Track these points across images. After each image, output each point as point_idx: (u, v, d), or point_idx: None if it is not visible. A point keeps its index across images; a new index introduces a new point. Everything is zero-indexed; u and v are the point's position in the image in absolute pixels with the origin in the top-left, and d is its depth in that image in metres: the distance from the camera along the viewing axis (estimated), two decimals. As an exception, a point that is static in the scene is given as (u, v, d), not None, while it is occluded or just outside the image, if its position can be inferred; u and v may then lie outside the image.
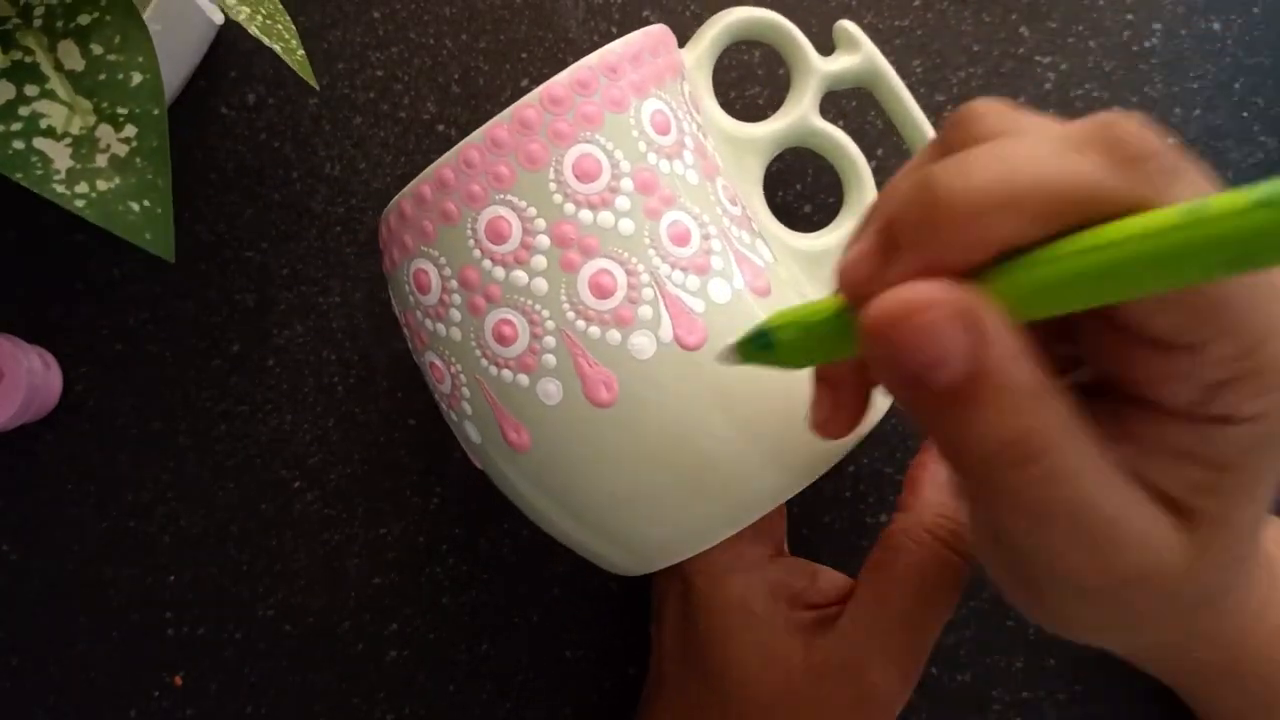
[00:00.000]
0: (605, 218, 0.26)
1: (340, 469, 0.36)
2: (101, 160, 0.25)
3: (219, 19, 0.37)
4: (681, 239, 0.26)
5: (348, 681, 0.36)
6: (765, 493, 0.27)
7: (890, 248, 0.17)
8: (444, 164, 0.26)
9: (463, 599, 0.36)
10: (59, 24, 0.26)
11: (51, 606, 0.36)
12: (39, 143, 0.25)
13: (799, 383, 0.23)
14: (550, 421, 0.26)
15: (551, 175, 0.25)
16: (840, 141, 0.31)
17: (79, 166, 0.25)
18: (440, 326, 0.27)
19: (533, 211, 0.26)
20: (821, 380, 0.21)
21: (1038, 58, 0.37)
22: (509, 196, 0.26)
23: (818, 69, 0.31)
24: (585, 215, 0.26)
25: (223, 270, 0.37)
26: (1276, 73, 0.37)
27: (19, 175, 0.24)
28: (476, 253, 0.26)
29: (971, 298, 0.16)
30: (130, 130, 0.25)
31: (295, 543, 0.36)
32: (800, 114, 0.31)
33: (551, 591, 0.36)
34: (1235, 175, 0.36)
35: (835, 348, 0.19)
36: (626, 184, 0.26)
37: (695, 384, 0.26)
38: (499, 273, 0.26)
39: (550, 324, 0.26)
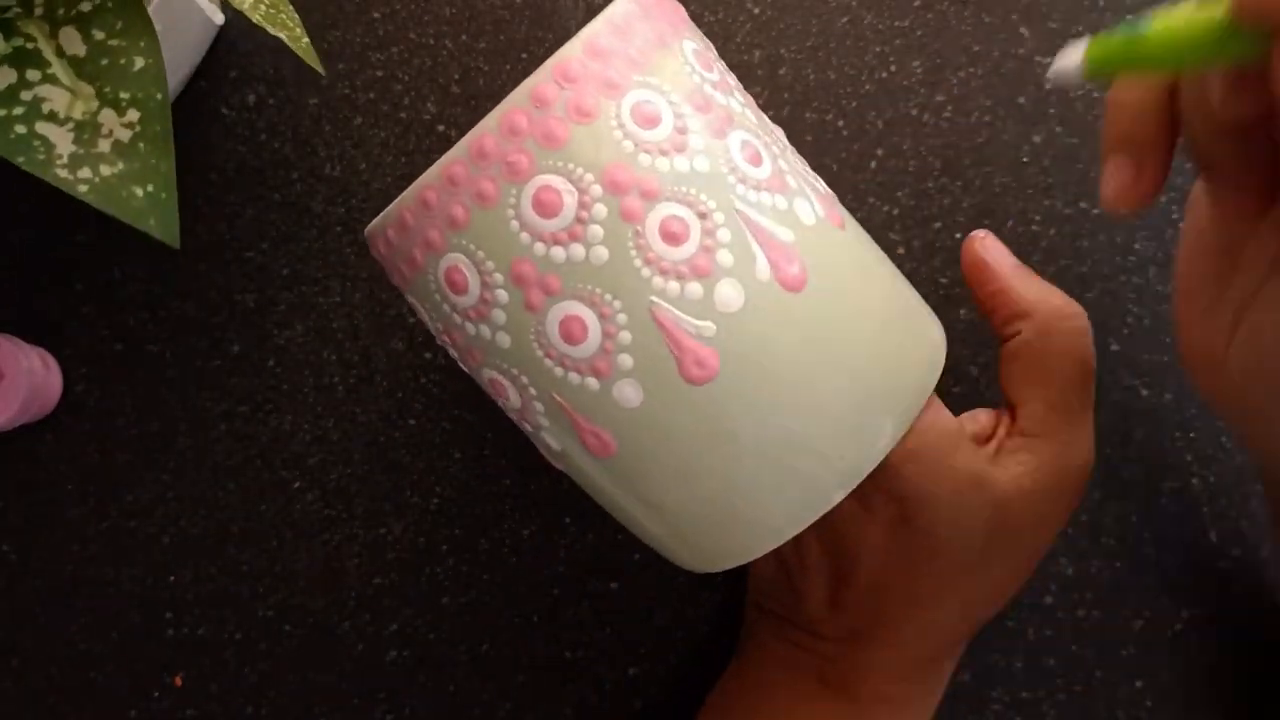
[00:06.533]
0: (680, 162, 0.24)
1: (340, 469, 0.36)
2: (104, 145, 0.25)
3: (219, 19, 0.37)
4: (755, 159, 0.25)
5: (348, 681, 0.36)
6: (842, 477, 0.25)
7: None
8: (481, 133, 0.23)
9: (463, 599, 0.36)
10: (60, 11, 0.25)
11: (51, 606, 0.36)
12: (41, 127, 0.24)
13: (865, 352, 0.24)
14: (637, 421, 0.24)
15: (615, 123, 0.23)
16: None
17: (81, 151, 0.25)
18: (486, 330, 0.25)
19: (588, 177, 0.23)
20: (1121, 147, 0.23)
21: (1038, 58, 0.37)
22: (559, 161, 0.23)
23: None
24: (662, 163, 0.23)
25: (223, 270, 0.37)
26: (1276, 73, 0.37)
27: (21, 160, 0.24)
28: (524, 236, 0.23)
29: None
30: (133, 115, 0.25)
31: (295, 543, 0.36)
32: None
33: (551, 591, 0.36)
34: (1235, 176, 0.36)
35: (1208, 50, 0.20)
36: (694, 123, 0.24)
37: (800, 327, 0.24)
38: (557, 253, 0.23)
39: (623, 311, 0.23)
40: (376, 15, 0.38)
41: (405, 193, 0.25)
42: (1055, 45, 0.37)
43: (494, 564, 0.36)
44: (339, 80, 0.37)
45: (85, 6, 0.25)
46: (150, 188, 0.25)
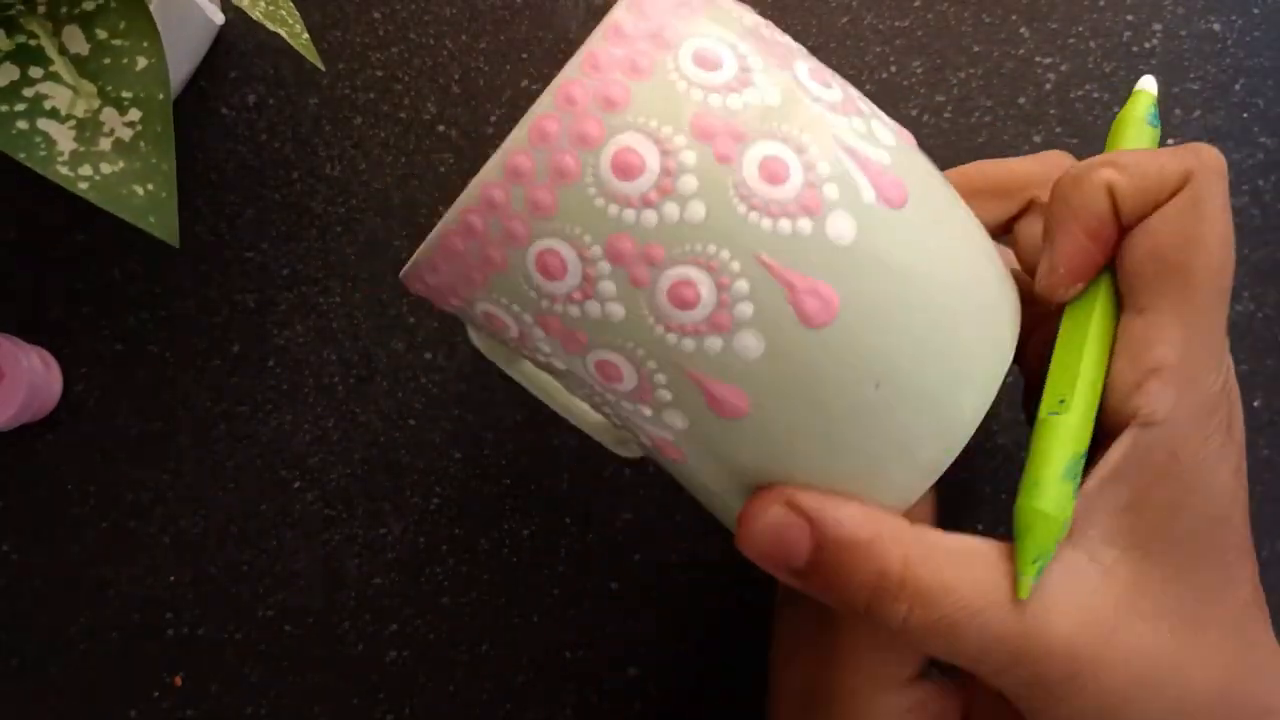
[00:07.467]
0: (752, 95, 0.22)
1: (340, 469, 0.36)
2: (105, 144, 0.25)
3: (219, 19, 0.37)
4: (826, 83, 0.24)
5: (348, 681, 0.36)
6: (978, 392, 0.24)
7: None
8: (537, 115, 0.22)
9: (463, 599, 0.36)
10: (63, 10, 0.26)
11: (51, 606, 0.36)
12: (42, 124, 0.25)
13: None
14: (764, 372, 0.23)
15: (674, 68, 0.22)
16: None
17: (82, 149, 0.25)
18: (595, 307, 0.23)
19: (667, 129, 0.22)
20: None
21: (1038, 58, 0.37)
22: (633, 117, 0.22)
23: None
24: (733, 100, 0.22)
25: (223, 270, 0.37)
26: (1277, 74, 0.37)
27: (22, 155, 0.24)
28: (613, 208, 0.22)
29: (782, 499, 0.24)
30: (134, 114, 0.25)
31: (295, 543, 0.36)
32: None
33: (551, 591, 0.36)
34: (1235, 176, 0.36)
35: None
36: (755, 61, 0.23)
37: (912, 240, 0.23)
38: (649, 217, 0.22)
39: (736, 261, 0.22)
40: (376, 15, 0.38)
41: (463, 196, 0.23)
42: (1055, 45, 0.37)
43: (494, 564, 0.36)
44: (339, 80, 0.37)
45: (88, 5, 0.26)
46: (150, 186, 0.25)
